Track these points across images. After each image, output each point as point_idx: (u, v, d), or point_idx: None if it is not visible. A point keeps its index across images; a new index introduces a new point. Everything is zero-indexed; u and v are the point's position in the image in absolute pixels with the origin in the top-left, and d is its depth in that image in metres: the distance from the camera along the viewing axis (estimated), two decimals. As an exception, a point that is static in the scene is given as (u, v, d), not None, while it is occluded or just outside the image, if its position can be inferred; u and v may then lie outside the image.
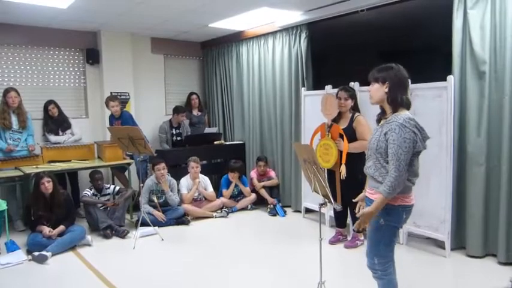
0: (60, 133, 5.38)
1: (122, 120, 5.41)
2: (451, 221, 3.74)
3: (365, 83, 4.11)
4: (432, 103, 3.76)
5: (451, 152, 3.70)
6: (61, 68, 5.89)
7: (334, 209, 4.12)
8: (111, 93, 5.88)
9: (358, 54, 7.13)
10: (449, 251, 3.75)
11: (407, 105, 2.29)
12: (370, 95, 2.38)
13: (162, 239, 4.43)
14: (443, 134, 3.70)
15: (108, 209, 4.77)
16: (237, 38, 6.19)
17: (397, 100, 2.26)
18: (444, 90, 3.69)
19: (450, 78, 3.65)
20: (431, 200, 3.80)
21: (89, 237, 4.32)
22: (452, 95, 3.65)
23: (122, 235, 4.50)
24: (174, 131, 6.19)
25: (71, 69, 5.98)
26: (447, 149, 3.71)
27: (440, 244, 3.88)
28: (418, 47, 6.39)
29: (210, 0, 4.45)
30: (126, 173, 5.40)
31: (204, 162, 5.97)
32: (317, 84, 5.28)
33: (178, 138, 6.19)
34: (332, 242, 4.21)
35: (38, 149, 5.11)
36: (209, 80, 7.01)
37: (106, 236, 4.47)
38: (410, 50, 6.21)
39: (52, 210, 4.17)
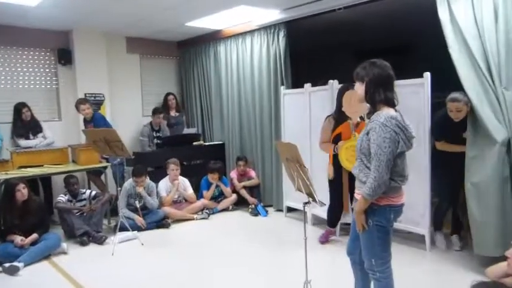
0: (31, 137, 5.17)
1: (94, 122, 5.25)
2: (430, 216, 3.79)
3: (343, 81, 4.15)
4: (410, 100, 3.76)
5: (429, 148, 3.75)
6: (31, 69, 5.67)
7: (329, 208, 4.08)
8: (84, 94, 5.71)
9: (336, 52, 7.18)
10: (429, 245, 3.80)
11: (388, 102, 2.20)
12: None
13: (142, 244, 4.32)
14: (421, 130, 3.72)
15: (85, 214, 4.60)
16: (214, 37, 6.11)
17: (375, 98, 2.20)
18: (421, 87, 3.72)
19: (427, 75, 3.68)
20: (411, 195, 3.79)
21: (64, 244, 4.17)
22: (428, 92, 3.68)
23: (100, 241, 4.36)
24: (155, 134, 6.09)
25: (42, 70, 5.77)
26: (425, 145, 3.75)
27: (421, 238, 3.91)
28: (395, 45, 6.47)
29: (186, -2, 4.38)
30: (103, 177, 5.24)
31: (184, 163, 5.87)
32: (296, 83, 5.26)
33: (159, 141, 6.08)
34: (322, 241, 4.16)
35: (7, 154, 4.89)
36: (187, 80, 6.90)
37: (83, 243, 4.33)
38: (387, 48, 6.27)
39: (24, 218, 4.00)
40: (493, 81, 3.19)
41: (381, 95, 2.19)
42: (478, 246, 3.29)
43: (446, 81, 3.45)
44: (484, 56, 3.23)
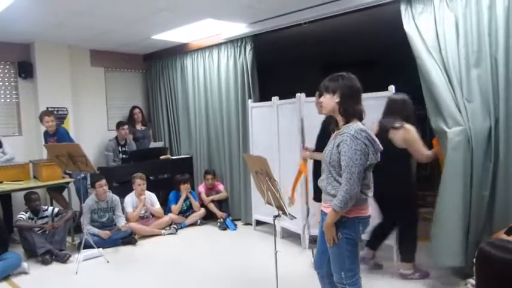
0: (-11, 153, 4.94)
1: (57, 137, 5.09)
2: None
3: (311, 94, 4.23)
4: (376, 113, 3.88)
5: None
6: (-12, 83, 5.46)
7: None
8: (47, 108, 5.53)
9: (302, 65, 7.32)
10: (396, 256, 3.85)
11: (359, 116, 2.27)
12: (321, 106, 2.34)
13: (108, 261, 4.18)
14: (386, 142, 3.83)
15: (47, 232, 4.42)
16: (181, 51, 6.10)
17: (349, 111, 2.24)
18: (386, 100, 3.84)
19: (391, 88, 3.82)
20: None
21: (25, 264, 3.98)
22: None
23: (63, 260, 4.19)
24: (120, 148, 5.96)
25: (1, 83, 5.55)
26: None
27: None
28: (361, 58, 6.67)
29: (153, 11, 4.35)
30: (66, 193, 5.06)
31: (150, 178, 5.77)
32: (263, 96, 5.32)
33: (125, 156, 5.95)
34: None
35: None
36: (153, 93, 6.83)
37: (45, 262, 4.14)
38: (353, 61, 6.47)
39: (-19, 237, 3.80)
40: (454, 93, 3.34)
41: (354, 107, 2.24)
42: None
43: (412, 94, 3.58)
44: (445, 68, 3.38)
